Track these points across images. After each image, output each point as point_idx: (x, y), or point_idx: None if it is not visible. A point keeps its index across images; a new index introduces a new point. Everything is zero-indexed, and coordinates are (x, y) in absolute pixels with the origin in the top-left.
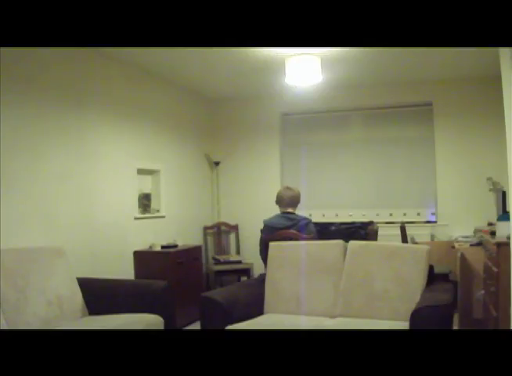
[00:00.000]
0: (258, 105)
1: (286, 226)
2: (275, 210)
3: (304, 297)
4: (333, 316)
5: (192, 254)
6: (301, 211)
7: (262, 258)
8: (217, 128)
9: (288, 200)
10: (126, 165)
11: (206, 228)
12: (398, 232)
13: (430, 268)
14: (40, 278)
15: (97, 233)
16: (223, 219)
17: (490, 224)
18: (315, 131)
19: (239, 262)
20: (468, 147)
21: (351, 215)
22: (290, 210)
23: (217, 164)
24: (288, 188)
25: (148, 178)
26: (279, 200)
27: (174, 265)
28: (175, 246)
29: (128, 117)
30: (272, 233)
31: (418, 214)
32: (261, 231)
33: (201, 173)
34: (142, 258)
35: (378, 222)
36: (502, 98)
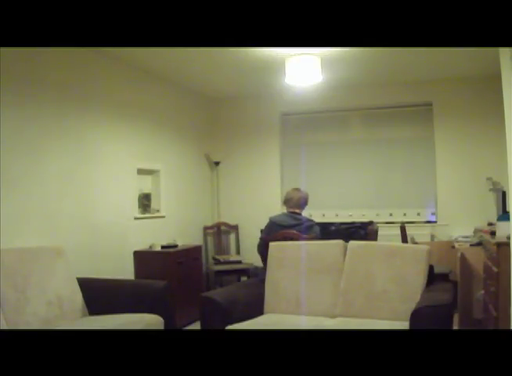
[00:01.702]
0: (258, 105)
1: (290, 225)
2: (275, 210)
3: (304, 297)
4: (333, 316)
5: (192, 254)
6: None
7: (260, 254)
8: (217, 128)
9: (295, 201)
10: (126, 165)
11: (206, 228)
12: (398, 232)
13: (430, 268)
14: (40, 278)
15: (97, 233)
16: (223, 219)
17: (490, 224)
18: (315, 131)
19: (239, 262)
20: (468, 147)
21: (351, 215)
22: (296, 210)
23: (217, 164)
24: (297, 189)
25: (148, 178)
26: (287, 200)
27: (174, 265)
28: (175, 246)
29: (128, 117)
30: (274, 229)
31: (418, 214)
32: (265, 227)
33: (201, 173)
34: (142, 258)
35: (378, 222)
36: (502, 98)
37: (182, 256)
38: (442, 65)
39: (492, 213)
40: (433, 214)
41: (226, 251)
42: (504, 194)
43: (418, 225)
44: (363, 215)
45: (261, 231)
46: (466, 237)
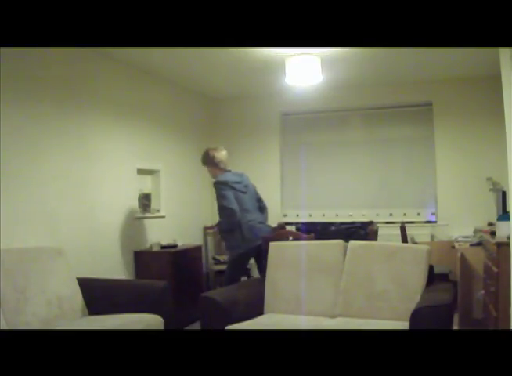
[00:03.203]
0: (258, 105)
1: (241, 182)
2: (275, 209)
3: (304, 297)
4: (333, 316)
5: (192, 254)
6: (302, 211)
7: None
8: (217, 128)
9: (226, 159)
10: (126, 165)
11: (206, 228)
12: (398, 232)
13: (430, 268)
14: (40, 278)
15: (97, 233)
16: None
17: (490, 224)
18: (315, 131)
19: None
20: (468, 147)
21: (351, 215)
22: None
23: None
24: (219, 148)
25: (148, 178)
26: (219, 161)
27: (174, 265)
28: (175, 246)
29: (128, 116)
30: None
31: (418, 214)
32: (222, 187)
33: (201, 173)
34: (142, 258)
35: (378, 222)
36: (502, 98)
37: (182, 256)
38: (442, 65)
39: (492, 213)
40: (433, 214)
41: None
42: (504, 194)
43: (418, 225)
44: (363, 215)
45: (222, 188)
46: (466, 237)
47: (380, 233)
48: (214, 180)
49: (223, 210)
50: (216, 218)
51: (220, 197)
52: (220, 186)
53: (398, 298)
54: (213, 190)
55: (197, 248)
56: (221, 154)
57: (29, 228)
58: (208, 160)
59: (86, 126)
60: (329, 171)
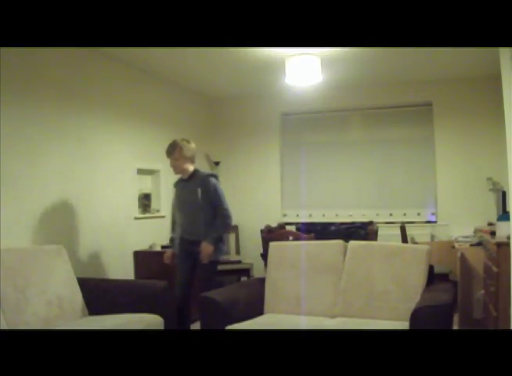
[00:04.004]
0: (258, 105)
1: None
2: (276, 210)
3: (304, 297)
4: (333, 316)
5: None
6: (302, 211)
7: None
8: (217, 128)
9: None
10: (126, 165)
11: None
12: (398, 232)
13: (430, 268)
14: (40, 278)
15: (97, 232)
16: None
17: (490, 224)
18: (315, 131)
19: (239, 262)
20: (468, 147)
21: (351, 215)
22: None
23: (217, 164)
24: (189, 140)
25: (148, 178)
26: (194, 155)
27: (175, 265)
28: None
29: (128, 117)
30: None
31: (418, 214)
32: (219, 184)
33: None
34: (142, 258)
35: (378, 222)
36: (502, 98)
37: None
38: (442, 65)
39: (492, 213)
40: (433, 214)
41: (226, 251)
42: (504, 194)
43: (418, 225)
44: (363, 215)
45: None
46: (466, 237)
47: (380, 233)
48: (209, 172)
49: (226, 211)
50: None
51: (223, 197)
52: (219, 183)
53: (398, 298)
54: None
55: None
56: (194, 147)
57: (29, 228)
58: (182, 152)
59: (86, 126)
60: (329, 171)
